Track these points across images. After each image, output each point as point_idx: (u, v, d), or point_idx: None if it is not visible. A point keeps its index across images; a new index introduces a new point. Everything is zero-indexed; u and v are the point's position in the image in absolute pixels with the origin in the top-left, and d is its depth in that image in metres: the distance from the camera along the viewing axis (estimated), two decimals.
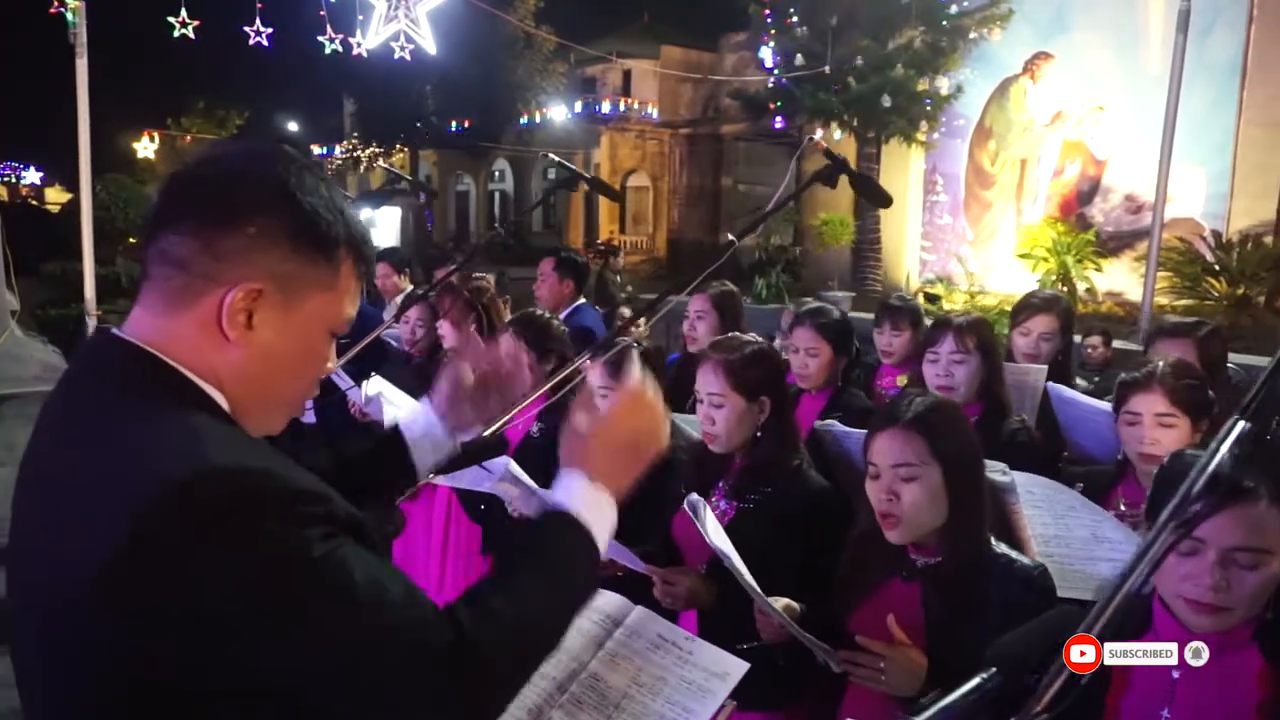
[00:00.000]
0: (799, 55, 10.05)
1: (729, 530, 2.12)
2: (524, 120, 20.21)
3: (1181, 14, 7.50)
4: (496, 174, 32.62)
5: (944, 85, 10.67)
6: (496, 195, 33.17)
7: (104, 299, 7.24)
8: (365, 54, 7.87)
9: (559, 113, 25.83)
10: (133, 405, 0.85)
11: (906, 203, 12.65)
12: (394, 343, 4.50)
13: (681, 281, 2.14)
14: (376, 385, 3.13)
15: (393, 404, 3.08)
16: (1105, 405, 2.66)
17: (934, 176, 12.58)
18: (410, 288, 5.96)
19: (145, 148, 25.32)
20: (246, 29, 7.33)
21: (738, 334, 2.27)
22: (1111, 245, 10.79)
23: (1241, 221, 10.01)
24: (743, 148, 17.52)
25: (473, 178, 32.29)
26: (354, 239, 0.96)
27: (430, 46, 8.09)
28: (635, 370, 1.19)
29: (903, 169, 12.36)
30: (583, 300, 4.36)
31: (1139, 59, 10.68)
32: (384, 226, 18.18)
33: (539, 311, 3.13)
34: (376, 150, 22.09)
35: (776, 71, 10.67)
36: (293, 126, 37.03)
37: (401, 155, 22.15)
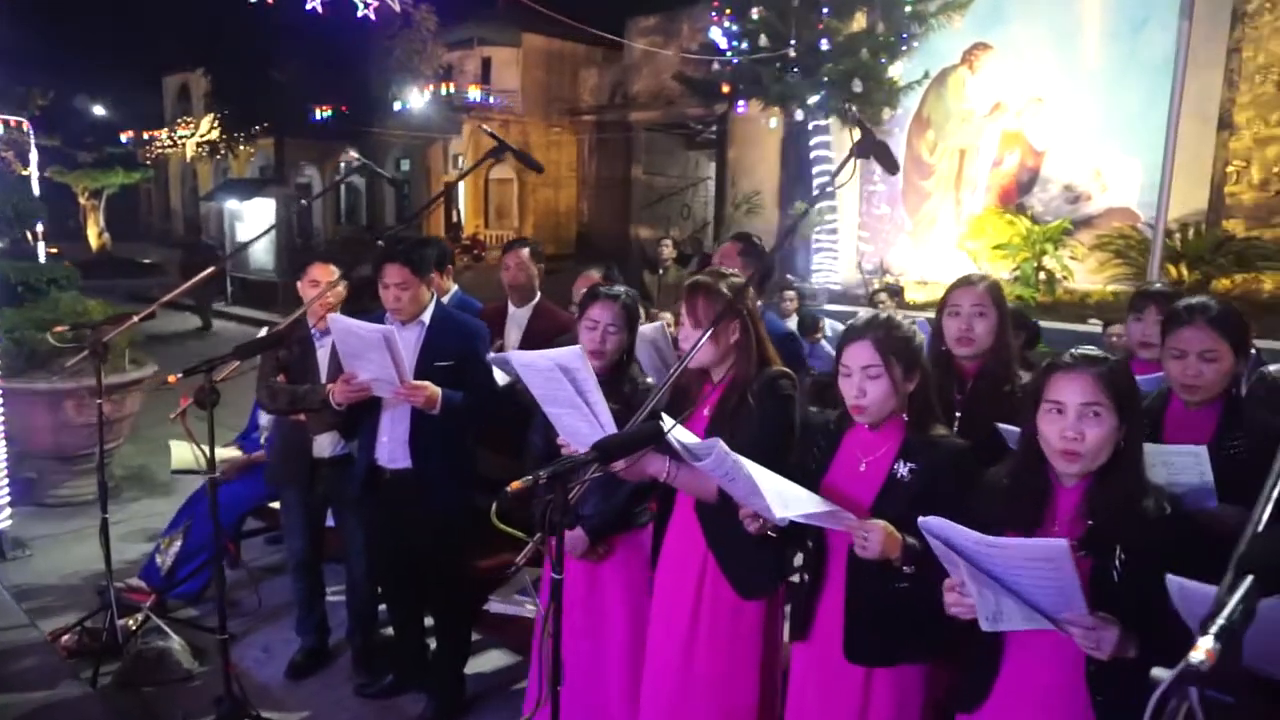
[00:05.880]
0: (763, 36, 9.50)
1: None
2: (398, 106, 18.63)
3: (1185, 1, 7.57)
4: (343, 165, 30.30)
5: (898, 72, 10.48)
6: (343, 188, 30.82)
7: None
8: (318, 8, 6.58)
9: (417, 99, 24.17)
10: None
11: (843, 192, 12.47)
12: None
13: None
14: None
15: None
16: None
17: (871, 166, 12.43)
18: (454, 288, 4.86)
19: None
20: None
21: None
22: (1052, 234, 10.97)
23: (1176, 211, 10.41)
24: (644, 137, 16.88)
25: (317, 169, 29.78)
26: None
27: (395, 4, 6.90)
28: None
29: (841, 156, 12.15)
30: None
31: (1077, 53, 10.93)
32: (254, 221, 16.10)
33: (898, 318, 2.33)
34: (221, 135, 19.70)
35: (729, 53, 10.08)
36: (100, 110, 33.00)
37: (264, 143, 19.92)
